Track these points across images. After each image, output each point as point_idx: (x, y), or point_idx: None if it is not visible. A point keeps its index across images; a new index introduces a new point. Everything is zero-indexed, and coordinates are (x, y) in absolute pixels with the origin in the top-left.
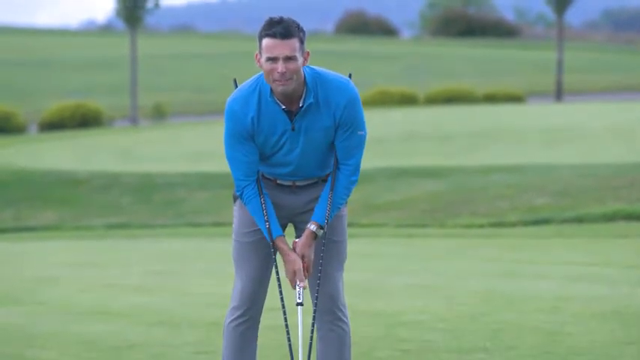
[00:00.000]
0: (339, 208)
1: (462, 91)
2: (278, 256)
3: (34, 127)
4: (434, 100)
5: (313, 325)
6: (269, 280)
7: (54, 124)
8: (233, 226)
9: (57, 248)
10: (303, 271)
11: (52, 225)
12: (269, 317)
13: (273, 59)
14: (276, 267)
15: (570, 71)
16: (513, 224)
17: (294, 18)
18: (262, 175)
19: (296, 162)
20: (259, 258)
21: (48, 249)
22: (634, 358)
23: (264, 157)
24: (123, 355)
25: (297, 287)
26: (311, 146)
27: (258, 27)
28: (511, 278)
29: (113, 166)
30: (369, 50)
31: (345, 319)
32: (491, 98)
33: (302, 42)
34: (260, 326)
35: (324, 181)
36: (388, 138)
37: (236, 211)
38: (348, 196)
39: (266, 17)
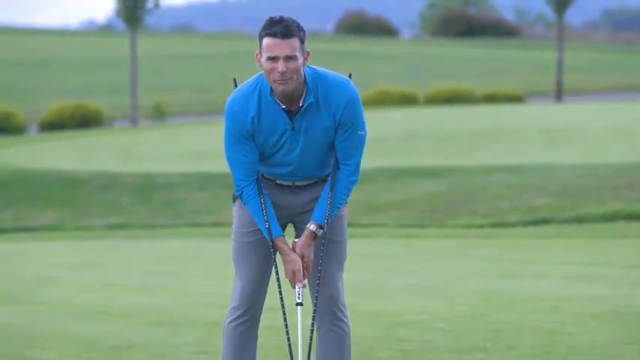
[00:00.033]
0: (339, 208)
1: (462, 91)
2: (278, 256)
3: (34, 127)
4: (434, 100)
5: (313, 325)
6: (269, 280)
7: (54, 124)
8: (233, 226)
9: (57, 248)
10: (303, 270)
11: (52, 225)
12: (269, 317)
13: (273, 59)
14: (276, 267)
15: (570, 71)
16: (513, 224)
17: (294, 18)
18: (262, 175)
19: (296, 162)
20: (259, 258)
21: (48, 249)
22: (634, 358)
23: (264, 157)
24: (123, 355)
25: (296, 287)
26: (311, 146)
27: (258, 27)
28: (511, 278)
29: (113, 166)
30: (369, 50)
31: (345, 319)
32: (491, 98)
33: (302, 41)
34: (260, 326)
35: (324, 181)
36: (388, 138)
37: (235, 211)
38: (348, 196)
39: (266, 17)
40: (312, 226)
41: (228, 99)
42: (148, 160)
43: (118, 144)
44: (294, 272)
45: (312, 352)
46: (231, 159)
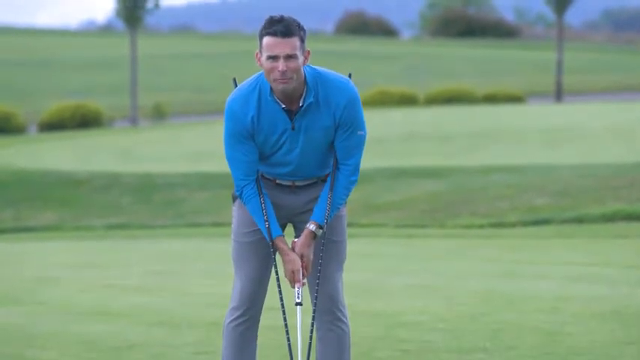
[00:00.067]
0: (339, 208)
1: (462, 91)
2: (277, 256)
3: (33, 128)
4: (434, 100)
5: (313, 325)
6: (269, 280)
7: (54, 125)
8: (232, 226)
9: (57, 248)
10: (302, 270)
11: (52, 225)
12: (269, 317)
13: (273, 57)
14: (276, 267)
15: (570, 71)
16: (513, 224)
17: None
18: (262, 175)
19: (296, 162)
20: (259, 258)
21: (48, 249)
22: (634, 358)
23: (263, 157)
24: (123, 356)
25: (295, 287)
26: (311, 146)
27: (258, 27)
28: (511, 278)
29: (113, 166)
30: (369, 50)
31: (344, 319)
32: (491, 98)
33: (302, 41)
34: (260, 326)
35: (324, 181)
36: (388, 138)
37: (235, 211)
38: (348, 196)
39: (266, 17)
40: (311, 226)
41: (228, 98)
42: (148, 160)
43: (118, 144)
44: (293, 272)
45: (311, 352)
46: (231, 158)
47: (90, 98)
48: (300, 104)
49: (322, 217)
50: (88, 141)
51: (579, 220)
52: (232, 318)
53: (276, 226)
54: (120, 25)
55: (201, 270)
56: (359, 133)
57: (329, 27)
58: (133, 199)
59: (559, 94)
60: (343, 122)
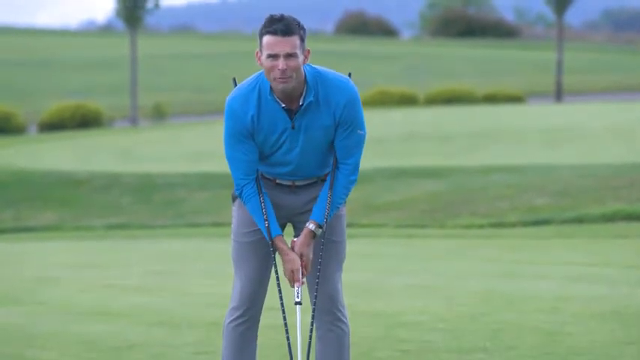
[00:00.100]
0: (338, 207)
1: (462, 91)
2: (277, 256)
3: (33, 128)
4: (434, 100)
5: (312, 325)
6: (268, 280)
7: (54, 125)
8: (232, 226)
9: (57, 248)
10: (302, 270)
11: (52, 225)
12: (269, 317)
13: (273, 56)
14: (276, 267)
15: (570, 71)
16: (513, 224)
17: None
18: (262, 175)
19: (295, 161)
20: (258, 258)
21: (48, 249)
22: (634, 358)
23: (263, 157)
24: (123, 356)
25: (295, 286)
26: (310, 145)
27: (258, 27)
28: (511, 278)
29: (113, 166)
30: (369, 50)
31: (344, 319)
32: (491, 98)
33: (302, 40)
34: (260, 326)
35: (324, 180)
36: (388, 138)
37: (235, 211)
38: (347, 195)
39: (266, 16)
40: (311, 226)
41: (228, 98)
42: (148, 160)
43: (118, 144)
44: (292, 271)
45: (311, 352)
46: (230, 158)
47: (90, 98)
48: (300, 103)
49: (322, 217)
50: (88, 141)
51: (579, 220)
52: (232, 318)
53: (275, 226)
54: (120, 25)
55: (201, 270)
56: (359, 132)
57: (329, 27)
58: (133, 199)
59: (559, 94)
60: (343, 121)
